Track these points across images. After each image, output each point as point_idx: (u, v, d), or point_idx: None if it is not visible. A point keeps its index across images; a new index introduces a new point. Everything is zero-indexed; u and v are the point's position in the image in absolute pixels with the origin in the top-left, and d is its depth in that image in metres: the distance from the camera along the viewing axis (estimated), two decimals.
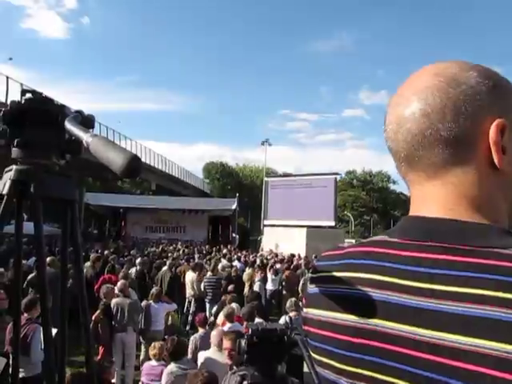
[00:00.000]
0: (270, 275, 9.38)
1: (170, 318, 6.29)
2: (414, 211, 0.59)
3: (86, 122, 0.72)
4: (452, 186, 0.56)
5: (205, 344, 3.88)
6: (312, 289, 0.62)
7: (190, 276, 7.88)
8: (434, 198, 0.56)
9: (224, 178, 49.45)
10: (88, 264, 7.07)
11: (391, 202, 56.01)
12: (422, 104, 0.56)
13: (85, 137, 0.58)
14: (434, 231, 0.53)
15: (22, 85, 15.57)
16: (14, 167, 0.76)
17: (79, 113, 0.73)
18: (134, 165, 0.52)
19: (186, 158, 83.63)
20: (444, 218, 0.54)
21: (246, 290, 7.96)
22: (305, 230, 18.53)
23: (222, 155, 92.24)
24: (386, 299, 0.53)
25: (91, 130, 0.67)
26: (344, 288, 0.57)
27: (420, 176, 0.58)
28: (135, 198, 25.26)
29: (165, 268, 8.14)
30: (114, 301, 5.13)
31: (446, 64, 0.58)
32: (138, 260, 8.85)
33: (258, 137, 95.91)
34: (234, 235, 23.57)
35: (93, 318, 4.74)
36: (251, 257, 12.83)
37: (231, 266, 9.54)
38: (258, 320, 4.20)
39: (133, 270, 7.93)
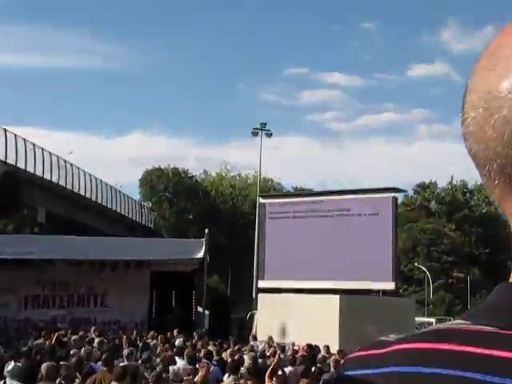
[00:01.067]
0: None
1: None
2: None
3: None
4: None
5: None
6: None
7: None
8: None
9: (181, 199, 49.82)
10: None
11: (507, 243, 55.82)
12: None
13: None
14: None
15: None
16: None
17: None
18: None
19: (110, 160, 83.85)
20: None
21: None
22: (337, 298, 18.51)
23: (179, 156, 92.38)
24: None
25: None
26: None
27: None
28: (5, 239, 25.18)
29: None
30: None
31: None
32: (10, 366, 8.75)
33: (246, 121, 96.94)
34: (200, 310, 23.71)
35: None
36: (231, 352, 12.91)
37: (194, 373, 9.58)
38: None
39: None
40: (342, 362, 10.97)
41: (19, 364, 9.07)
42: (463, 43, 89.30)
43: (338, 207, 20.25)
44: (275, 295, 20.18)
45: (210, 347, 14.18)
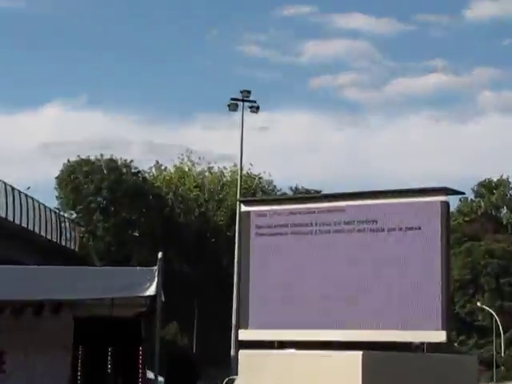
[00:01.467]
0: None
1: None
2: None
3: None
4: None
5: None
6: None
7: None
8: None
9: (122, 208, 51.84)
10: None
11: None
12: None
13: None
14: None
15: None
16: None
17: None
18: None
19: (12, 148, 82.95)
20: None
21: None
22: (359, 356, 17.92)
23: (117, 141, 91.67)
24: None
25: None
26: None
27: None
28: None
29: None
30: None
31: None
32: None
33: (220, 88, 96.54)
34: (150, 375, 23.02)
35: None
36: None
37: None
38: None
39: None
40: None
41: None
42: None
43: (360, 218, 19.48)
44: (265, 352, 19.55)
45: None
